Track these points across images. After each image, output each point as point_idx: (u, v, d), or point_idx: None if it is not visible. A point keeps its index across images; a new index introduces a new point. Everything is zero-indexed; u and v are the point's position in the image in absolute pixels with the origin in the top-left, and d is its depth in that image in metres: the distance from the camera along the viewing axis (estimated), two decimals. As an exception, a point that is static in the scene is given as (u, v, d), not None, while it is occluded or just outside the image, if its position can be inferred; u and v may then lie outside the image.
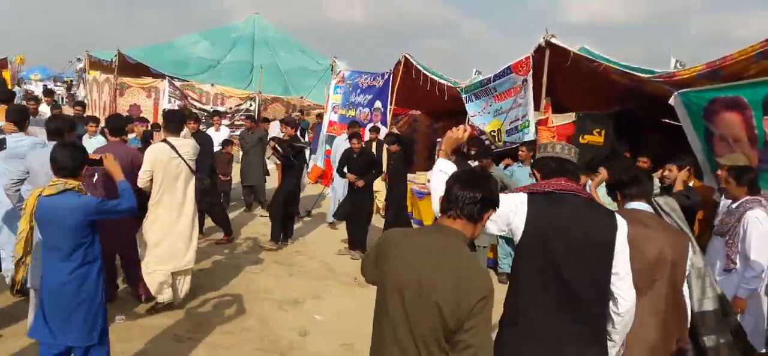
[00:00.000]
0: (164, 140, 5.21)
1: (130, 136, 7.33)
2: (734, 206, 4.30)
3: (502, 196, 2.37)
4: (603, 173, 4.51)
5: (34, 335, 3.33)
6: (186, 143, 5.27)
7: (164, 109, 12.38)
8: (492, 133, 8.22)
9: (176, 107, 13.25)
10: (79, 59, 22.48)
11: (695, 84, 5.34)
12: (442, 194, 2.22)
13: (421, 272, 2.03)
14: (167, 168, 5.04)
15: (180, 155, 5.10)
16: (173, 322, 5.01)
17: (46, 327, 3.24)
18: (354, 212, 7.64)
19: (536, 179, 2.73)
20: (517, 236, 2.54)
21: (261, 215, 9.59)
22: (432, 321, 1.99)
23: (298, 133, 9.75)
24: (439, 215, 2.24)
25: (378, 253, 2.25)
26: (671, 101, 5.44)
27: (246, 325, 5.19)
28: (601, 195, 4.09)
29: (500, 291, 2.26)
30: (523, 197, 2.56)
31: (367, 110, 10.84)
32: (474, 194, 2.11)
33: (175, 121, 5.38)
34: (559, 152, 2.68)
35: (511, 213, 2.52)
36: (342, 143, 9.16)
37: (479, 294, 1.97)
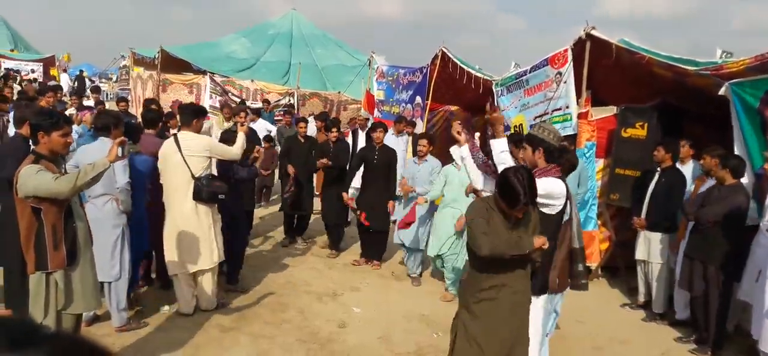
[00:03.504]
0: (174, 134, 5.11)
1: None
2: None
3: None
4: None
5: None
6: (192, 138, 4.94)
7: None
8: (515, 127, 8.13)
9: (217, 103, 13.50)
10: (123, 56, 23.08)
11: (745, 76, 5.17)
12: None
13: None
14: (168, 164, 4.89)
15: (180, 151, 4.83)
16: (217, 313, 5.14)
17: None
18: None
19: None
20: None
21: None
22: None
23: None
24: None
25: None
26: (722, 92, 5.26)
27: (286, 317, 5.30)
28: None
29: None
30: None
31: (409, 106, 10.86)
32: None
33: (186, 113, 5.12)
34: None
35: None
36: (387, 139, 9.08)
37: None
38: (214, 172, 5.28)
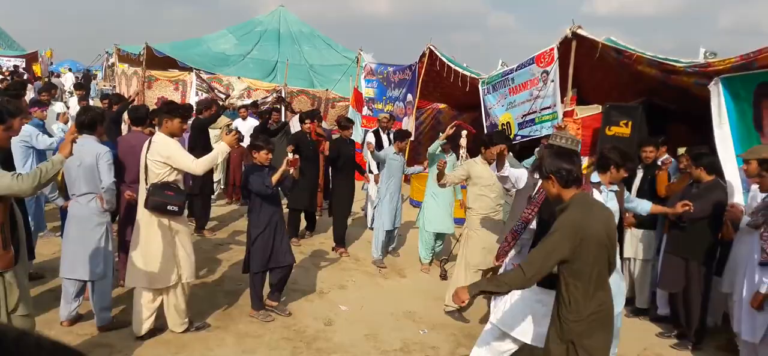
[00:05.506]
0: (151, 134, 4.87)
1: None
2: None
3: None
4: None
5: None
6: (160, 142, 4.43)
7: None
8: (503, 126, 8.18)
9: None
10: (108, 53, 22.93)
11: (731, 74, 5.24)
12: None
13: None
14: (141, 166, 4.53)
15: (147, 153, 4.43)
16: (201, 312, 5.12)
17: None
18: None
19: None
20: None
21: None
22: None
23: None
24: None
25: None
26: (711, 86, 5.31)
27: (273, 315, 5.28)
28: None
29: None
30: None
31: (401, 104, 10.88)
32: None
33: (159, 112, 4.64)
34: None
35: None
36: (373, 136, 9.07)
37: None
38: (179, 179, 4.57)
